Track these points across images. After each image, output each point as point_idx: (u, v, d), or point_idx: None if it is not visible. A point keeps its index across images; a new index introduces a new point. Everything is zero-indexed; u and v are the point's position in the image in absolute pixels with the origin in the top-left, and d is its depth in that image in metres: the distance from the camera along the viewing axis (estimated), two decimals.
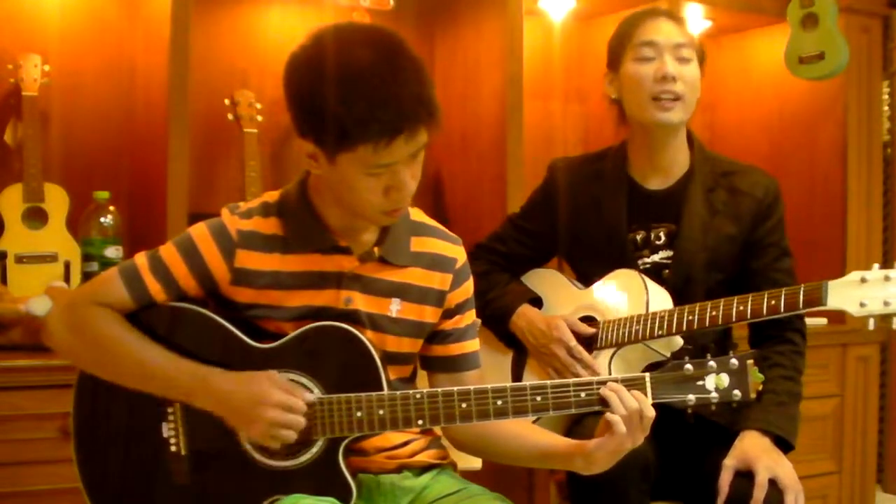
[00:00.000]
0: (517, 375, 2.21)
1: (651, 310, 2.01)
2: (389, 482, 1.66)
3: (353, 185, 1.50)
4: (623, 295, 2.06)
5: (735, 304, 1.92)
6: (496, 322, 2.17)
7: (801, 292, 1.85)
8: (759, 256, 2.10)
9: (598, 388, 1.54)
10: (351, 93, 1.42)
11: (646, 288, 2.03)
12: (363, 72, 1.43)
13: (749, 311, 1.90)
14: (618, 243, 2.12)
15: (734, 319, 1.92)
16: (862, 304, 1.79)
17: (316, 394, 1.55)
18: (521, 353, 2.21)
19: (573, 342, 2.07)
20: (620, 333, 2.03)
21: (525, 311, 2.15)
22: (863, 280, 1.79)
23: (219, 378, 1.52)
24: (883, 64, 3.47)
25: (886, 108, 3.56)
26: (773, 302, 1.88)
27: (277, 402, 1.49)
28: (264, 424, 1.49)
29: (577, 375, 2.04)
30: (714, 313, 1.94)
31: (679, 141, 2.14)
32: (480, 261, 2.26)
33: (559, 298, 2.20)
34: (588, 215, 2.17)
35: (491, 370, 2.15)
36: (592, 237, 2.16)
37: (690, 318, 1.95)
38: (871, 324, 1.80)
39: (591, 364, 2.05)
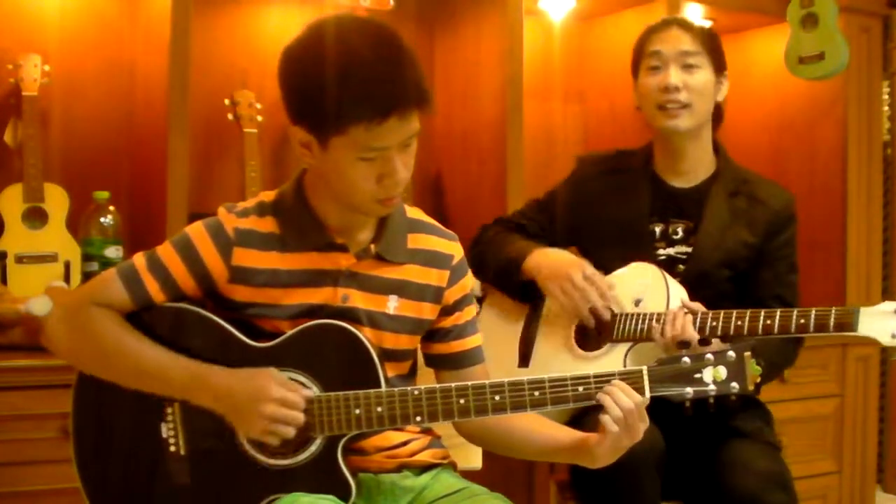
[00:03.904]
0: (527, 341, 2.19)
1: (671, 308, 1.99)
2: (389, 482, 1.65)
3: (346, 172, 1.51)
4: (642, 289, 2.05)
5: (762, 318, 1.90)
6: (508, 273, 2.15)
7: (833, 315, 1.86)
8: (769, 268, 2.14)
9: (596, 383, 1.55)
10: (345, 73, 1.44)
11: (666, 284, 2.03)
12: (357, 54, 1.46)
13: (777, 326, 1.89)
14: (637, 232, 2.16)
15: (760, 332, 1.90)
16: (894, 336, 1.80)
17: (315, 391, 1.55)
18: (533, 314, 2.19)
19: (591, 269, 2.06)
20: (639, 329, 2.01)
21: (539, 251, 2.14)
22: None
23: (218, 374, 1.52)
24: (883, 64, 3.47)
25: (886, 108, 3.55)
26: (802, 321, 1.88)
27: (276, 398, 1.49)
28: (262, 420, 1.48)
29: (589, 300, 2.03)
30: (739, 323, 1.92)
31: (699, 147, 2.19)
32: (497, 226, 2.29)
33: None
34: (610, 203, 2.21)
35: (501, 341, 2.16)
36: (612, 225, 2.18)
37: (714, 324, 1.94)
38: None
39: (604, 292, 2.03)
